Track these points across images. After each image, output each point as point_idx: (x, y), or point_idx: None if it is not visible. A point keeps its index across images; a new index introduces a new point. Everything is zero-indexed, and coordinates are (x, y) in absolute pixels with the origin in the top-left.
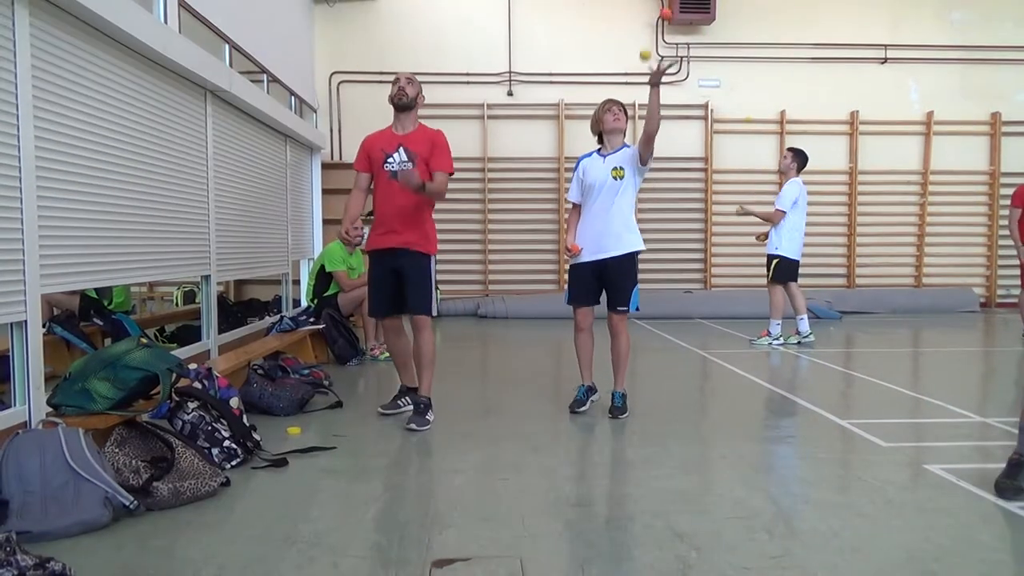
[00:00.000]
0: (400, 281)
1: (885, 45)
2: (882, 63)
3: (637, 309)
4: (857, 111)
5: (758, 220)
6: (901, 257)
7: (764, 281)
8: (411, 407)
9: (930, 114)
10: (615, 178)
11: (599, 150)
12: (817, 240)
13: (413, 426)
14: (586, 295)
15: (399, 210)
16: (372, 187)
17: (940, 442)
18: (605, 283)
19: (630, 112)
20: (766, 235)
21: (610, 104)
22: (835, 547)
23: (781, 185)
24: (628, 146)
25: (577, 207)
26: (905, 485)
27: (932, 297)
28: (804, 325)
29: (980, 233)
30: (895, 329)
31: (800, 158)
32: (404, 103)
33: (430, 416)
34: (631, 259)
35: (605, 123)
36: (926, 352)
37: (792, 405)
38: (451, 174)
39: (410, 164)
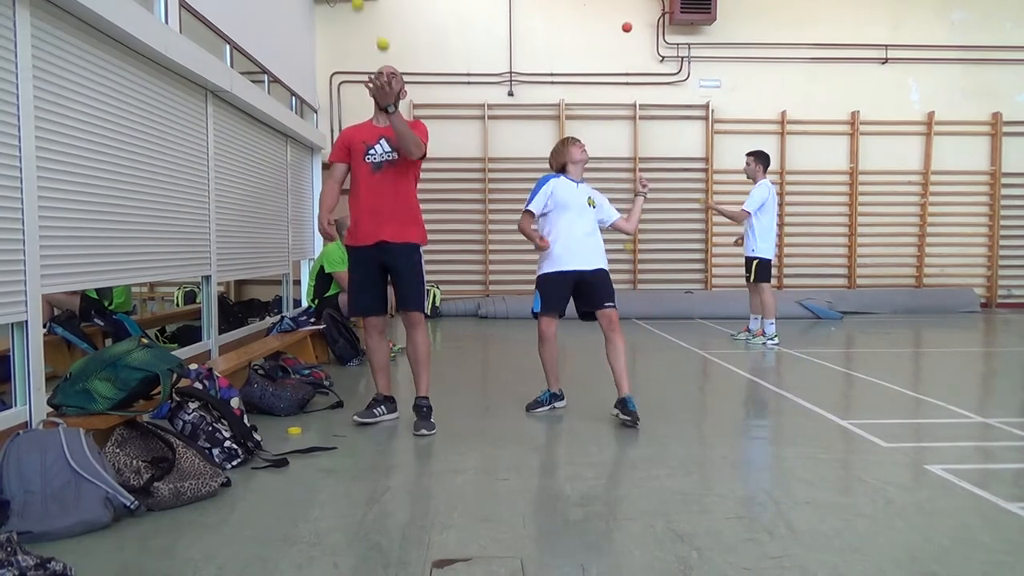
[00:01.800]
0: (386, 277)
1: (886, 45)
2: (883, 63)
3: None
4: (858, 111)
5: (728, 220)
6: (902, 257)
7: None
8: (388, 416)
9: (931, 114)
10: (590, 205)
11: (564, 174)
12: (818, 240)
13: (423, 431)
14: (559, 304)
15: (384, 202)
16: (348, 181)
17: (941, 442)
18: (585, 289)
19: (629, 112)
20: (742, 238)
21: (573, 139)
22: (836, 547)
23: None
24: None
25: (533, 215)
26: (906, 485)
27: (933, 297)
28: (756, 324)
29: (981, 233)
30: (896, 329)
31: (763, 160)
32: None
33: (432, 418)
34: (607, 271)
35: (572, 155)
36: (927, 352)
37: (792, 405)
38: (424, 155)
39: (395, 155)
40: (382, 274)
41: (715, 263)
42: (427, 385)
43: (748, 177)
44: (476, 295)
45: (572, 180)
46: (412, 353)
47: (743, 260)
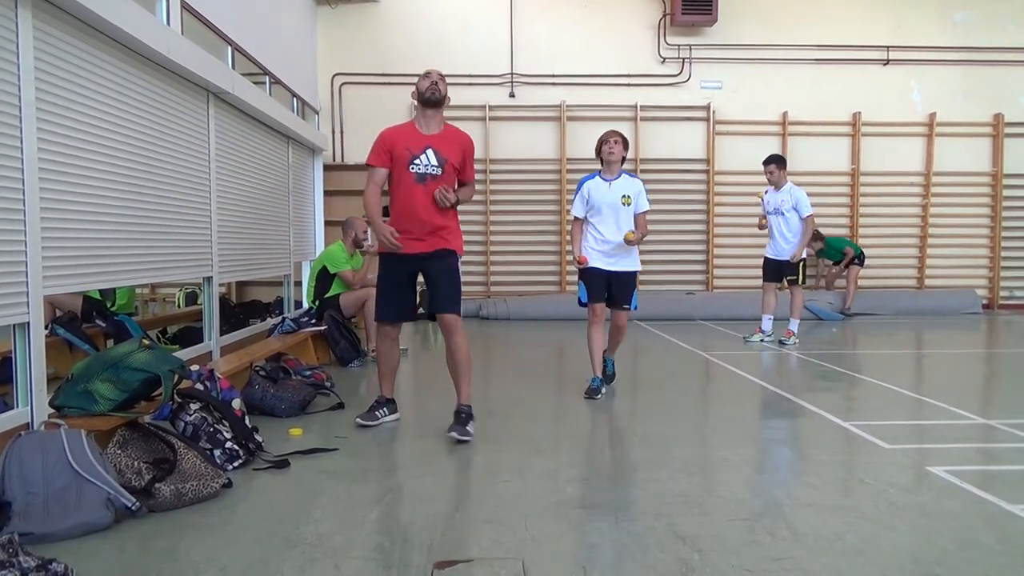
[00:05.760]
0: (415, 284)
1: (887, 46)
2: (884, 64)
3: (636, 308)
4: (859, 112)
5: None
6: (904, 259)
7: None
8: (390, 417)
9: (932, 115)
10: (624, 204)
11: (600, 173)
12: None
13: (455, 435)
14: (600, 294)
15: (425, 215)
16: (388, 185)
17: (943, 444)
18: (613, 287)
19: (630, 114)
20: (765, 219)
21: (608, 135)
22: (838, 550)
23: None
24: (627, 173)
25: (580, 221)
26: (908, 487)
27: (935, 299)
28: (768, 324)
29: (983, 235)
30: (898, 331)
31: (783, 164)
32: (436, 98)
33: (471, 427)
34: (635, 275)
35: (603, 153)
36: (929, 354)
37: (794, 406)
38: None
39: (439, 169)
40: (411, 281)
41: (716, 264)
42: (468, 392)
43: (773, 184)
44: (477, 296)
45: (605, 179)
46: (452, 359)
47: (764, 260)
